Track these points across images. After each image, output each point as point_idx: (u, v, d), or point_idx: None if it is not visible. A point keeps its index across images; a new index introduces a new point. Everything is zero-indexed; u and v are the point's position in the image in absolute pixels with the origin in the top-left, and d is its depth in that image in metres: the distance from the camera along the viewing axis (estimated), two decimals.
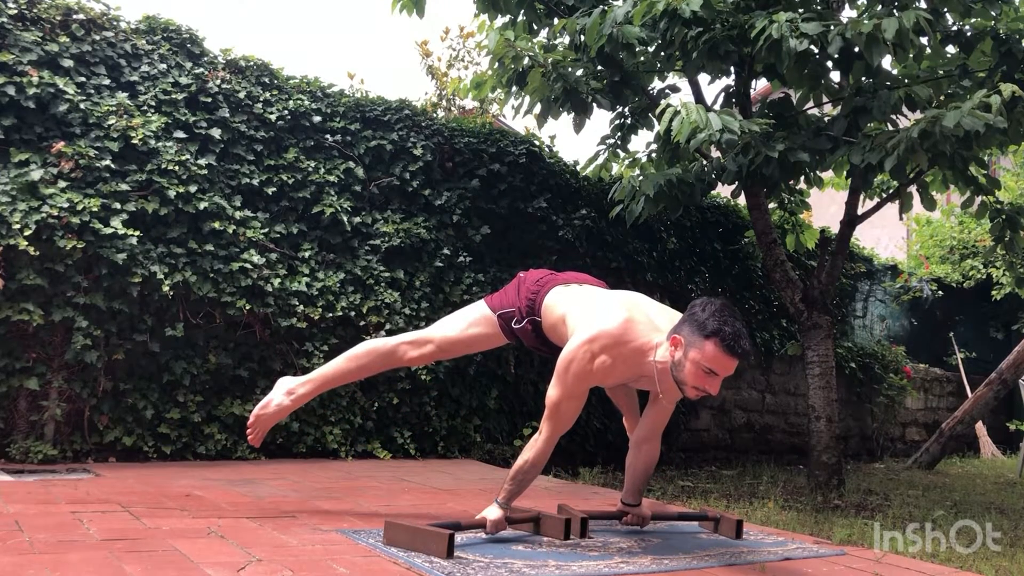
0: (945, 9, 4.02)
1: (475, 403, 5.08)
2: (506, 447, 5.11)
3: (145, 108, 4.28)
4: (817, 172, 4.84)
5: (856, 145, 4.02)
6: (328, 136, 4.89)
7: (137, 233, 4.02)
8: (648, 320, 2.60)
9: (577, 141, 32.23)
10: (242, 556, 2.18)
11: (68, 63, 4.08)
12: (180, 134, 4.33)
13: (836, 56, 3.98)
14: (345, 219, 4.76)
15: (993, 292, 9.18)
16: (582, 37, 4.19)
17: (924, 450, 6.75)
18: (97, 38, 4.22)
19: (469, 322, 2.96)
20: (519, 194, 5.38)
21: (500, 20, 4.72)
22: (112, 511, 2.70)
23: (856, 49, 3.88)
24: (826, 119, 4.53)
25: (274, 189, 4.61)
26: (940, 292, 9.06)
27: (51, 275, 3.86)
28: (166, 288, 4.07)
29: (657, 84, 4.82)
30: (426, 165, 5.10)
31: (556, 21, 4.64)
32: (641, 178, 4.76)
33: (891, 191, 5.22)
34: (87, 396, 3.95)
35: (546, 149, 5.67)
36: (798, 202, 5.63)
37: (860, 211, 4.92)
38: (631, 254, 5.85)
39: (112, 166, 4.05)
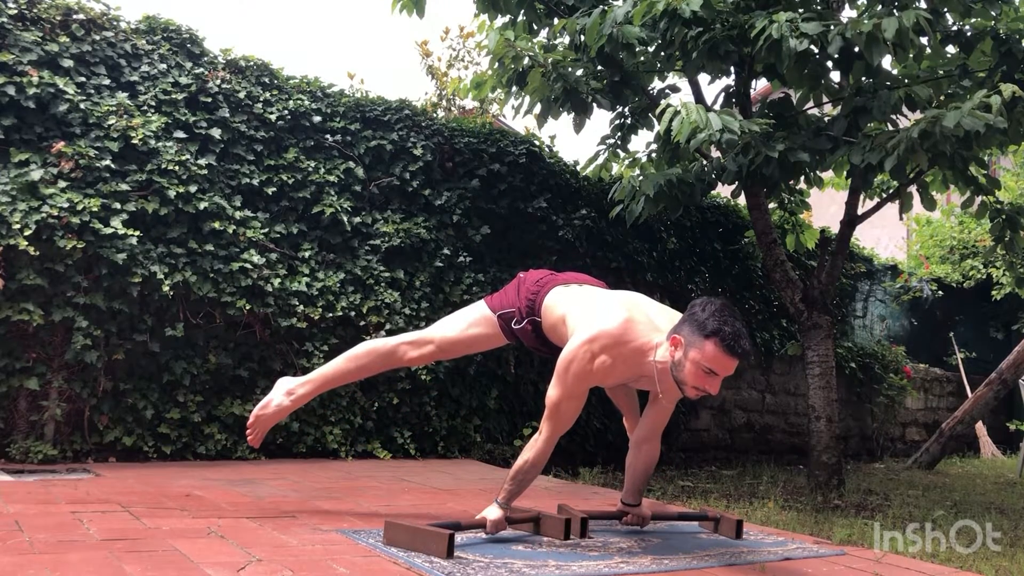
0: (945, 9, 4.02)
1: (475, 403, 5.08)
2: (506, 447, 5.11)
3: (145, 108, 4.28)
4: (817, 172, 4.83)
5: (856, 145, 4.02)
6: (328, 136, 4.89)
7: (137, 233, 4.02)
8: (648, 320, 2.60)
9: (577, 141, 32.23)
10: (242, 556, 2.18)
11: (68, 63, 4.08)
12: (180, 134, 4.33)
13: (836, 56, 3.98)
14: (345, 219, 4.76)
15: (993, 292, 9.18)
16: (582, 37, 4.19)
17: (924, 450, 6.75)
18: (97, 38, 4.22)
19: (469, 322, 2.96)
20: (519, 194, 5.38)
21: (500, 20, 4.72)
22: (112, 511, 2.70)
23: (856, 49, 3.88)
24: (826, 119, 4.53)
25: (274, 189, 4.61)
26: (940, 292, 9.06)
27: (51, 275, 3.86)
28: (166, 288, 4.07)
29: (657, 84, 4.82)
30: (426, 165, 5.10)
31: (556, 21, 4.64)
32: (641, 178, 4.76)
33: (891, 191, 5.22)
34: (87, 396, 3.95)
35: (546, 149, 5.67)
36: (798, 202, 5.63)
37: (860, 211, 4.92)
38: (631, 254, 5.85)
39: (112, 166, 4.05)
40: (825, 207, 8.71)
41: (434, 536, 2.31)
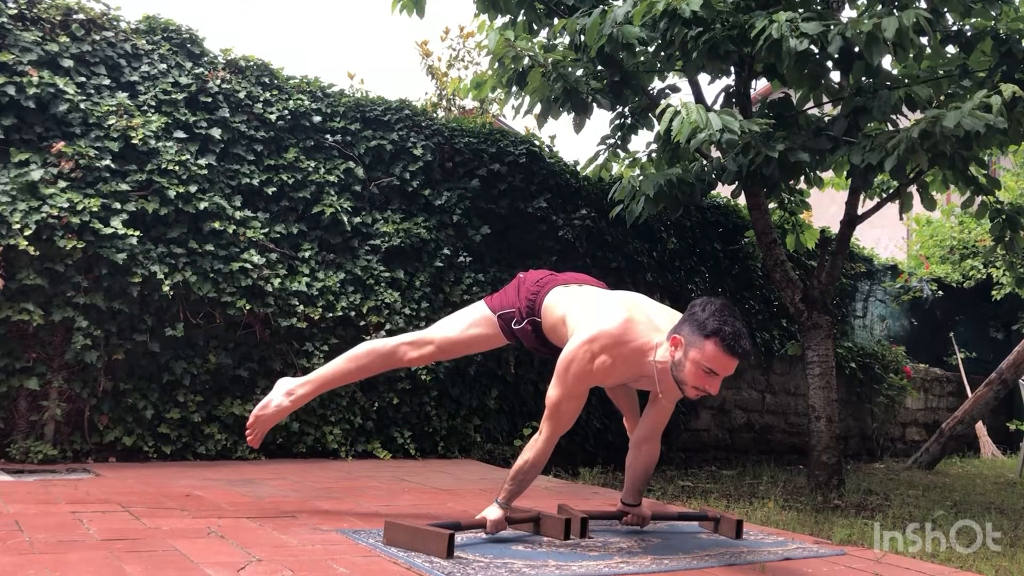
0: (945, 9, 4.02)
1: (475, 403, 5.08)
2: (506, 447, 5.11)
3: (145, 108, 4.28)
4: (817, 172, 4.83)
5: (856, 145, 4.02)
6: (328, 136, 4.89)
7: (137, 233, 4.02)
8: (648, 320, 2.60)
9: (577, 141, 32.22)
10: (242, 556, 2.18)
11: (68, 63, 4.08)
12: (180, 134, 4.33)
13: (836, 56, 3.98)
14: (345, 219, 4.76)
15: (993, 292, 9.18)
16: (582, 37, 4.19)
17: (924, 450, 6.75)
18: (97, 38, 4.22)
19: (469, 323, 2.96)
20: (519, 194, 5.38)
21: (500, 20, 4.72)
22: (112, 511, 2.70)
23: (856, 49, 3.88)
24: (826, 119, 4.53)
25: (274, 189, 4.61)
26: (940, 292, 9.06)
27: (51, 275, 3.86)
28: (166, 288, 4.07)
29: (657, 84, 4.82)
30: (426, 165, 5.10)
31: (556, 21, 4.64)
32: (641, 178, 4.76)
33: (891, 191, 5.22)
34: (87, 396, 3.95)
35: (546, 149, 5.67)
36: (798, 202, 5.63)
37: (860, 211, 4.92)
38: (631, 254, 5.85)
39: (112, 166, 4.05)
40: (825, 207, 8.71)
41: (434, 536, 2.31)
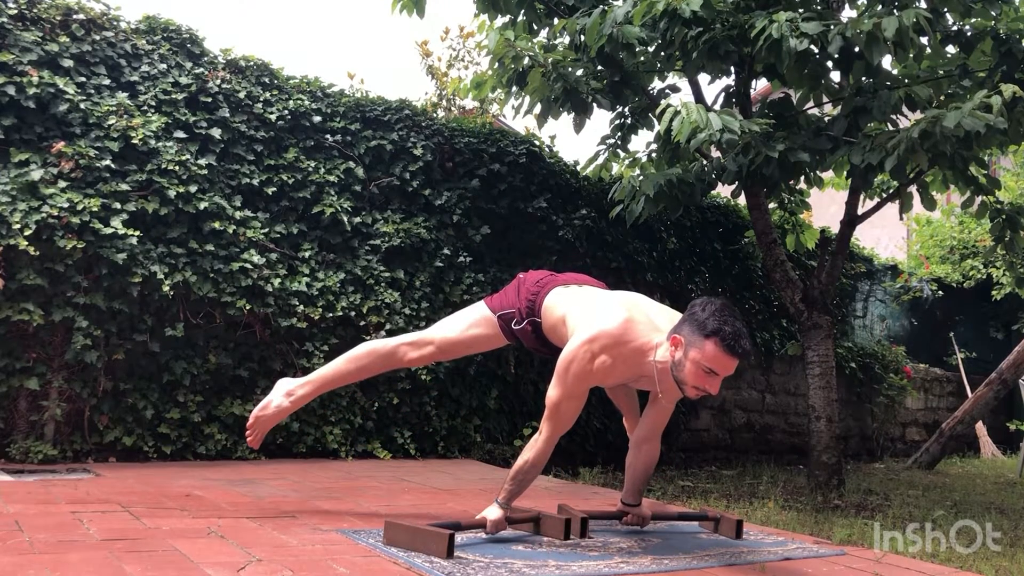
0: (945, 9, 4.02)
1: (475, 403, 5.08)
2: (506, 447, 5.11)
3: (145, 108, 4.28)
4: (817, 172, 4.84)
5: (856, 145, 4.02)
6: (328, 136, 4.89)
7: (137, 233, 4.02)
8: (648, 320, 2.60)
9: (577, 141, 32.22)
10: (242, 556, 2.18)
11: (68, 63, 4.08)
12: (180, 134, 4.33)
13: (836, 56, 3.98)
14: (345, 219, 4.76)
15: (993, 292, 9.18)
16: (582, 37, 4.19)
17: (924, 450, 6.75)
18: (97, 38, 4.22)
19: (469, 323, 2.96)
20: (519, 194, 5.38)
21: (500, 20, 4.72)
22: (112, 511, 2.70)
23: (856, 49, 3.88)
24: (826, 119, 4.53)
25: (274, 189, 4.61)
26: (940, 292, 9.06)
27: (51, 275, 3.86)
28: (166, 288, 4.07)
29: (657, 84, 4.82)
30: (426, 165, 5.11)
31: (556, 21, 4.64)
32: (641, 178, 4.76)
33: (891, 191, 5.22)
34: (87, 396, 3.95)
35: (546, 149, 5.67)
36: (798, 202, 5.63)
37: (860, 211, 4.92)
38: (631, 254, 5.85)
39: (112, 166, 4.05)
40: (825, 207, 8.71)
41: (434, 536, 2.31)
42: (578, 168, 5.63)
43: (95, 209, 3.91)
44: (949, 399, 8.67)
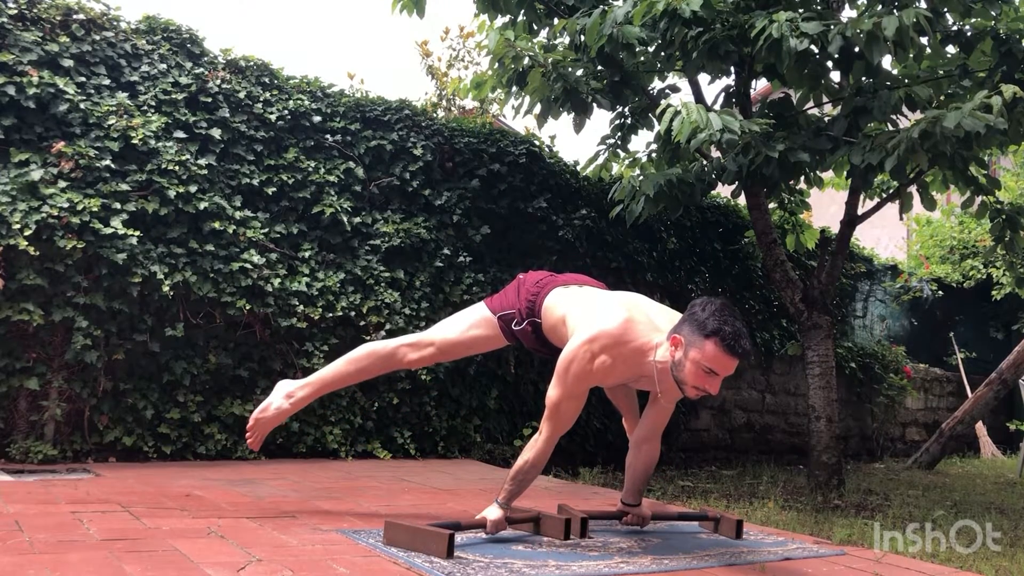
0: (945, 9, 4.02)
1: (475, 403, 5.08)
2: (506, 447, 5.11)
3: (145, 108, 4.28)
4: (817, 172, 4.83)
5: (856, 145, 4.02)
6: (328, 136, 4.89)
7: (137, 233, 4.02)
8: (648, 320, 2.60)
9: (577, 141, 32.21)
10: (242, 556, 2.18)
11: (68, 63, 4.08)
12: (180, 134, 4.33)
13: (836, 56, 3.98)
14: (345, 219, 4.76)
15: (993, 292, 9.18)
16: (582, 37, 4.19)
17: (924, 450, 6.75)
18: (97, 38, 4.22)
19: (469, 324, 2.96)
20: (519, 194, 5.38)
21: (500, 20, 4.72)
22: (112, 511, 2.70)
23: (856, 49, 3.88)
24: (826, 119, 4.53)
25: (274, 189, 4.61)
26: (940, 292, 9.06)
27: (51, 275, 3.86)
28: (166, 288, 4.07)
29: (657, 84, 4.82)
30: (426, 165, 5.11)
31: (556, 21, 4.64)
32: (641, 178, 4.76)
33: (891, 191, 5.22)
34: (87, 396, 3.95)
35: (546, 149, 5.67)
36: (798, 202, 5.63)
37: (860, 211, 4.92)
38: (631, 254, 5.85)
39: (112, 166, 4.05)
40: (825, 207, 8.71)
41: (434, 536, 2.31)
42: (578, 168, 5.63)
43: (95, 209, 3.91)
44: (949, 399, 8.67)
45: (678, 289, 6.12)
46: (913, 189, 4.82)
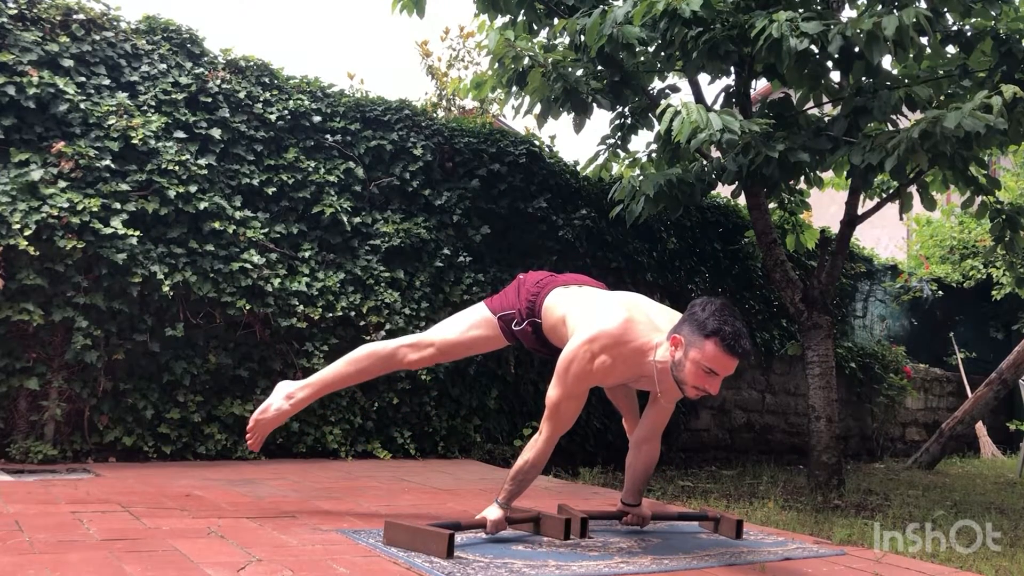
0: (945, 9, 4.02)
1: (475, 403, 5.08)
2: (506, 447, 5.11)
3: (145, 108, 4.28)
4: (817, 172, 4.83)
5: (856, 145, 4.02)
6: (328, 136, 4.89)
7: (137, 233, 4.02)
8: (648, 320, 2.60)
9: (577, 141, 32.21)
10: (242, 556, 2.18)
11: (68, 63, 4.08)
12: (180, 134, 4.33)
13: (836, 56, 3.98)
14: (345, 219, 4.76)
15: (993, 292, 9.18)
16: (582, 37, 4.19)
17: (924, 450, 6.75)
18: (97, 38, 4.22)
19: (469, 324, 2.96)
20: (519, 194, 5.38)
21: (500, 20, 4.72)
22: (112, 511, 2.70)
23: (856, 48, 3.88)
24: (826, 119, 4.53)
25: (274, 189, 4.61)
26: (940, 292, 9.06)
27: (51, 275, 3.86)
28: (166, 288, 4.07)
29: (657, 84, 4.82)
30: (426, 165, 5.11)
31: (556, 21, 4.64)
32: (641, 178, 4.76)
33: (891, 191, 5.22)
34: (87, 396, 3.95)
35: (546, 149, 5.67)
36: (798, 202, 5.63)
37: (860, 211, 4.92)
38: (631, 254, 5.85)
39: (112, 166, 4.05)
40: (825, 207, 8.71)
41: (434, 536, 2.31)
42: (578, 168, 5.63)
43: (95, 209, 3.91)
44: (949, 399, 8.67)
45: (678, 289, 6.12)
46: (913, 189, 4.82)
